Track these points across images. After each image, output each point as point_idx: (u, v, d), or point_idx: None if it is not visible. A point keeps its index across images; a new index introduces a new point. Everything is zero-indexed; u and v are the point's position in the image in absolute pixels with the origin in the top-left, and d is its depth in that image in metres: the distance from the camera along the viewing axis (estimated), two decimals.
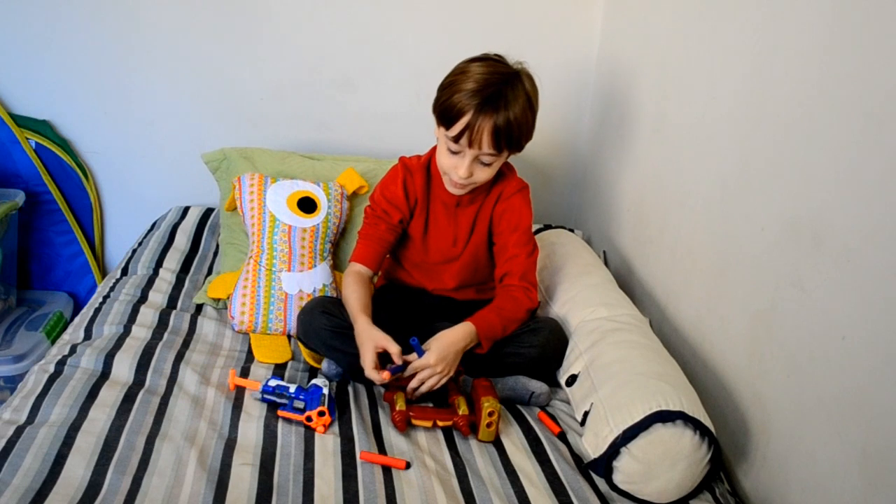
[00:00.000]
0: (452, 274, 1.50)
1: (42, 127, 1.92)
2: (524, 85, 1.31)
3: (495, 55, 1.34)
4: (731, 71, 1.29)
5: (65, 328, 1.56)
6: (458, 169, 1.33)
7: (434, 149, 1.45)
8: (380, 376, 1.23)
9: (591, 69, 2.00)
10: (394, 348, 1.25)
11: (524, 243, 1.43)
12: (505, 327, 1.37)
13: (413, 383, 1.27)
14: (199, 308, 1.57)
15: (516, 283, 1.41)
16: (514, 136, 1.29)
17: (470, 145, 1.29)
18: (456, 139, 1.29)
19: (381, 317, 1.40)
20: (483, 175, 1.35)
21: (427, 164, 1.46)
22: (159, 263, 1.71)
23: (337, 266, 1.67)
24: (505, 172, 1.47)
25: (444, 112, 1.30)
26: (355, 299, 1.35)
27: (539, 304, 1.55)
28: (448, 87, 1.31)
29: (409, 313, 1.47)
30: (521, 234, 1.43)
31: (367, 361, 1.24)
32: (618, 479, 1.12)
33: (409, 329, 1.38)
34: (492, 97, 1.26)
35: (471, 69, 1.30)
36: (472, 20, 1.92)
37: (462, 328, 1.31)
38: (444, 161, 1.36)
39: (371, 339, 1.26)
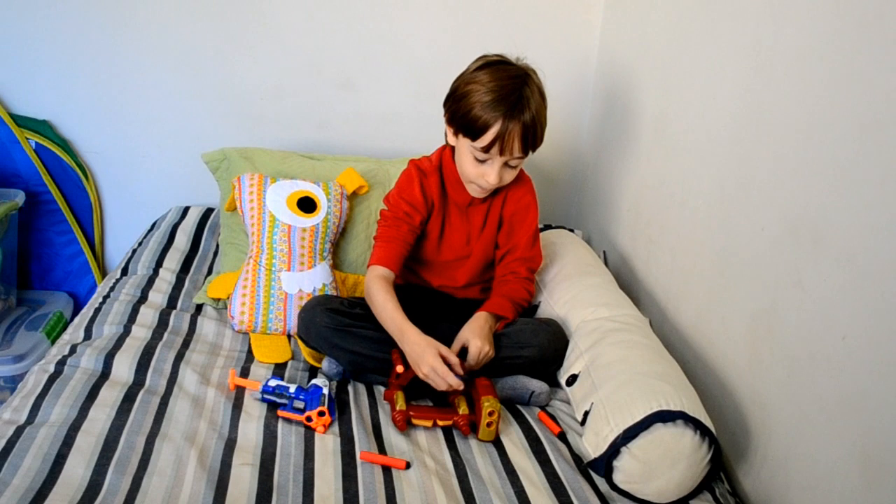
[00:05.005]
0: (464, 271, 1.51)
1: (42, 127, 1.92)
2: (535, 81, 1.33)
3: (496, 56, 1.35)
4: (731, 71, 1.29)
5: (65, 328, 1.56)
6: (488, 176, 1.34)
7: (442, 150, 1.46)
8: (459, 383, 1.24)
9: (592, 69, 2.00)
10: (454, 358, 1.26)
11: (532, 246, 1.49)
12: (515, 309, 1.44)
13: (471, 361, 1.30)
14: (199, 308, 1.58)
15: (521, 274, 1.47)
16: (538, 134, 1.32)
17: (501, 153, 1.30)
18: (486, 149, 1.30)
19: None
20: (510, 177, 1.38)
21: (439, 166, 1.46)
22: (159, 263, 1.71)
23: (337, 266, 1.67)
24: None
25: (468, 125, 1.30)
26: (393, 307, 1.32)
27: (538, 303, 1.56)
28: (464, 99, 1.30)
29: (410, 310, 1.46)
30: (532, 235, 1.48)
31: (440, 369, 1.23)
32: (618, 478, 1.12)
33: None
34: (515, 103, 1.27)
35: (481, 77, 1.30)
36: (471, 20, 1.92)
37: (478, 318, 1.37)
38: (469, 170, 1.36)
39: (433, 347, 1.25)
